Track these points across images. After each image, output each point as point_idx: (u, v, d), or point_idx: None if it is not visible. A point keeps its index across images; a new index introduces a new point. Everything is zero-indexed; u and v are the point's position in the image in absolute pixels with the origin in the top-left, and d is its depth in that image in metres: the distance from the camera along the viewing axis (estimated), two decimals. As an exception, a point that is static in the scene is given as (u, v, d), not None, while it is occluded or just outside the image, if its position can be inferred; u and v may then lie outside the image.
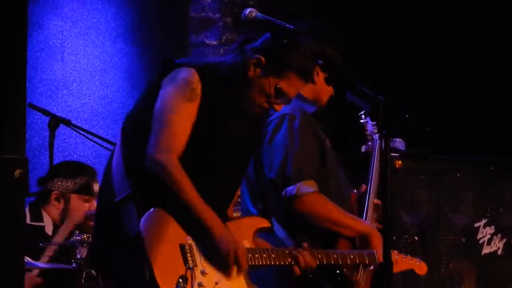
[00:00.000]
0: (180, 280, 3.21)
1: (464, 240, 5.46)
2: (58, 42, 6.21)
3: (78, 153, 6.09)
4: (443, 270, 5.35)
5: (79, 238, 4.33)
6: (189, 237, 3.32)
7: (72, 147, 6.13)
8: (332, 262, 3.67)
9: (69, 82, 6.24)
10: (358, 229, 3.91)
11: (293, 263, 3.54)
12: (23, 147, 5.82)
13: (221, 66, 3.43)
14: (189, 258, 3.28)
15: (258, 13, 3.35)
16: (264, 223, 3.59)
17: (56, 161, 5.27)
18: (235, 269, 3.34)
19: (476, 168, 5.61)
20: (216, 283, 3.33)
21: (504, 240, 5.55)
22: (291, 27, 3.33)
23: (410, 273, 4.82)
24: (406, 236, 5.30)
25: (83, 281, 4.20)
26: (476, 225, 5.49)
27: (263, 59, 3.36)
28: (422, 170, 5.36)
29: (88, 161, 5.51)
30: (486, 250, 5.51)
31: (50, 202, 4.92)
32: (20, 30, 5.82)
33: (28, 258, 4.34)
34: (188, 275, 3.24)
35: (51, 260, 4.58)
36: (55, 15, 6.22)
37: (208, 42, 6.65)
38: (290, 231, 3.87)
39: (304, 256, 3.54)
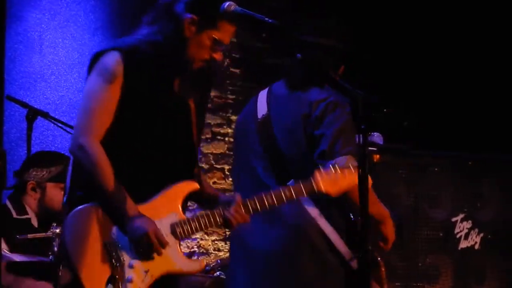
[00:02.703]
0: (109, 284, 3.19)
1: (441, 234, 5.48)
2: (36, 35, 6.18)
3: (56, 145, 6.06)
4: (420, 264, 5.37)
5: (56, 230, 4.31)
6: (113, 232, 3.31)
7: (50, 139, 6.11)
8: (267, 206, 3.58)
9: (47, 74, 6.21)
10: (382, 210, 3.99)
11: (225, 225, 3.51)
12: (1, 139, 5.78)
13: (155, 38, 3.49)
14: (114, 255, 3.26)
15: (237, 6, 3.37)
16: (190, 187, 3.51)
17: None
18: (154, 251, 3.32)
19: (454, 163, 5.63)
20: (146, 272, 3.31)
21: (481, 235, 5.57)
22: (270, 21, 3.33)
23: (387, 268, 4.83)
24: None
25: (60, 273, 4.16)
26: (454, 219, 5.51)
27: (195, 17, 3.44)
28: (401, 165, 5.38)
29: (66, 154, 5.49)
30: (463, 244, 5.53)
31: (27, 193, 4.89)
32: (-2, 21, 5.78)
33: (5, 251, 4.32)
34: (116, 273, 3.19)
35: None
36: (33, 7, 6.19)
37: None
38: (322, 208, 3.91)
39: (235, 216, 3.49)
